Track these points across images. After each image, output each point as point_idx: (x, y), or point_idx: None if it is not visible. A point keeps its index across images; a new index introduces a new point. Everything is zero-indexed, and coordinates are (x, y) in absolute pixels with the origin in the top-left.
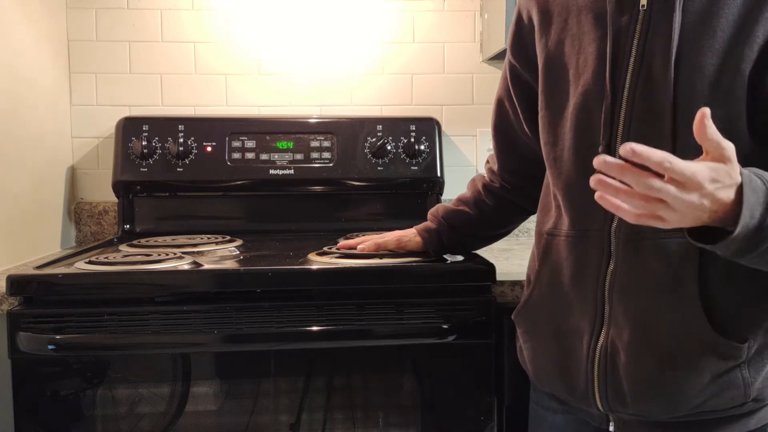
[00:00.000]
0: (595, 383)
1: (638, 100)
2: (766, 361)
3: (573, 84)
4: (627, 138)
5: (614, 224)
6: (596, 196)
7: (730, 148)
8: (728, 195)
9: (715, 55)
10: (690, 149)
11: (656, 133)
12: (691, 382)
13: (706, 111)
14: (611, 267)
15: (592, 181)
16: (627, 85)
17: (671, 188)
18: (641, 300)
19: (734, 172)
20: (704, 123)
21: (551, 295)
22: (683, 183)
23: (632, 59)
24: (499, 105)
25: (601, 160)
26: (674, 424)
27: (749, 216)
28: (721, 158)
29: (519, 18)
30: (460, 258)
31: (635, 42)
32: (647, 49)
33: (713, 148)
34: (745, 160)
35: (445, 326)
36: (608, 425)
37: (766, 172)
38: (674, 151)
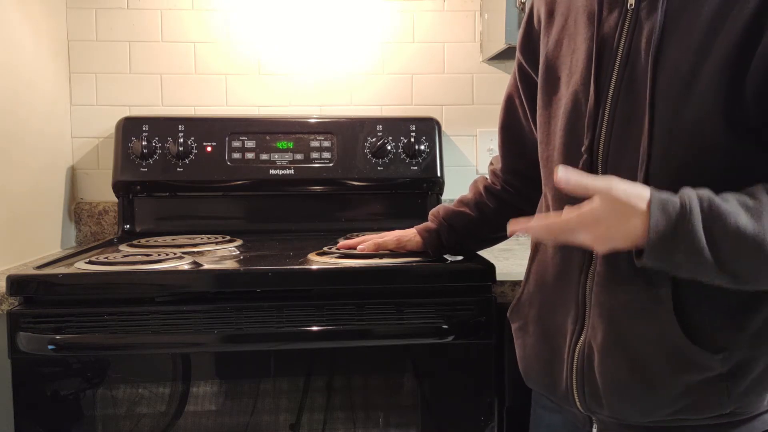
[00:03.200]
0: (574, 383)
1: (621, 100)
2: (747, 375)
3: (565, 84)
4: (608, 138)
5: None
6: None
7: (608, 181)
8: (635, 222)
9: (690, 53)
10: (664, 149)
11: (635, 135)
12: (663, 389)
13: (558, 169)
14: (593, 268)
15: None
16: (612, 85)
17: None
18: (615, 301)
19: (629, 192)
20: (568, 182)
21: (539, 294)
22: (578, 224)
23: (618, 59)
24: (509, 102)
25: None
26: (653, 429)
27: (657, 238)
28: (605, 192)
29: (530, 16)
30: (460, 258)
31: (622, 42)
32: (633, 48)
33: (593, 191)
34: (722, 160)
35: (445, 326)
36: (591, 427)
37: (703, 193)
38: (650, 153)
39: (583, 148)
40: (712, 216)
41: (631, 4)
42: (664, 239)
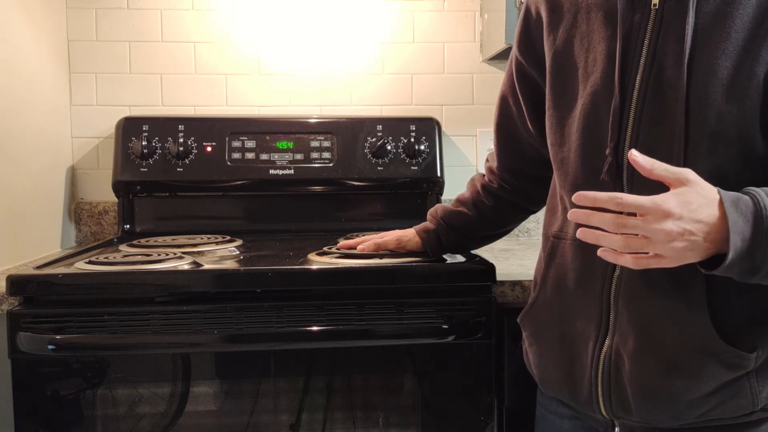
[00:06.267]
0: (599, 389)
1: (648, 101)
2: None
3: (581, 84)
4: (636, 140)
5: None
6: (598, 253)
7: (684, 171)
8: (711, 213)
9: (729, 58)
10: (702, 153)
11: (667, 136)
12: (697, 391)
13: (632, 153)
14: (617, 272)
15: (579, 234)
16: (637, 86)
17: (637, 221)
18: (646, 306)
19: (704, 190)
20: (642, 165)
21: (557, 299)
22: (646, 214)
23: (643, 59)
24: (503, 102)
25: (570, 214)
26: (681, 430)
27: (740, 239)
28: (683, 182)
29: (527, 13)
30: (460, 258)
31: (646, 42)
32: (659, 49)
33: (668, 178)
34: (760, 165)
35: (445, 326)
36: (613, 430)
37: (761, 189)
38: (686, 156)
39: (607, 151)
40: None
41: (655, 4)
42: (744, 239)
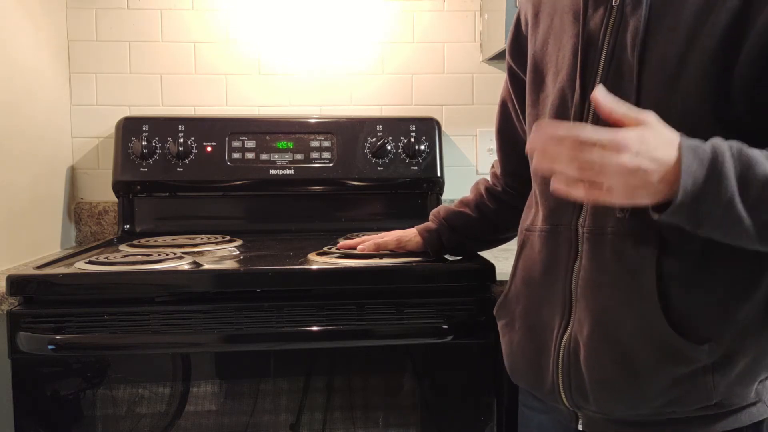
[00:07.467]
0: (560, 377)
1: None
2: (733, 367)
3: (552, 82)
4: None
5: (580, 219)
6: (551, 187)
7: (646, 113)
8: (668, 153)
9: (676, 48)
10: None
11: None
12: (650, 383)
13: (597, 90)
14: (578, 262)
15: (535, 162)
16: (598, 80)
17: (593, 152)
18: (601, 296)
19: (664, 132)
20: (602, 105)
21: (526, 290)
22: (604, 146)
23: (604, 53)
24: (503, 107)
25: (529, 143)
26: (640, 423)
27: (691, 182)
28: (643, 122)
29: (518, 20)
30: (460, 258)
31: (608, 37)
32: (618, 44)
33: (628, 118)
34: None
35: (444, 326)
36: (578, 423)
37: (732, 142)
38: None
39: None
40: (742, 161)
41: (616, 1)
42: (695, 182)
